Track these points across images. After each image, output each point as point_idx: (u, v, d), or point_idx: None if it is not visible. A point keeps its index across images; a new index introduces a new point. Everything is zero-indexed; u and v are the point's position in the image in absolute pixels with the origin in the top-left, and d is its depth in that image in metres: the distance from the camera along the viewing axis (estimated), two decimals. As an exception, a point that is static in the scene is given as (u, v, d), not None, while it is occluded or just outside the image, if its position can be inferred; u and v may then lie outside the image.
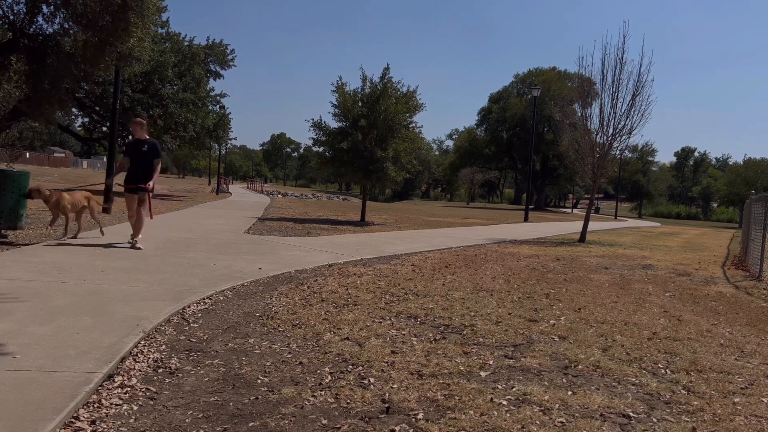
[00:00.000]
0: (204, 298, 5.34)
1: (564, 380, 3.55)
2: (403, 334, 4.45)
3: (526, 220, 28.25)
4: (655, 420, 2.99)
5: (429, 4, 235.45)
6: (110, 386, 3.09)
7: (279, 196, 44.70)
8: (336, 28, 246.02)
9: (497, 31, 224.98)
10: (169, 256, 7.63)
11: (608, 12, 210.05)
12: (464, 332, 4.62)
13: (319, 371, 3.52)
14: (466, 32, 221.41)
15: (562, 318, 5.35)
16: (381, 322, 4.80)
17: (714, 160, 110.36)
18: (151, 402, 2.96)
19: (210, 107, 29.05)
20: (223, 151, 50.21)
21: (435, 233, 15.65)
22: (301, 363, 3.67)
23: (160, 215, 15.11)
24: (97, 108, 25.98)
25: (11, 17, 13.71)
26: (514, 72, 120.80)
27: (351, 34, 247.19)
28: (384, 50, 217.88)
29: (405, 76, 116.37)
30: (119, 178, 9.67)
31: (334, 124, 17.23)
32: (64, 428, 2.56)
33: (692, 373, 3.84)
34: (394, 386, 3.28)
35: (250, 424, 2.74)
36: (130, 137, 9.77)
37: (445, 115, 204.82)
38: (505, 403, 3.09)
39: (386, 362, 3.71)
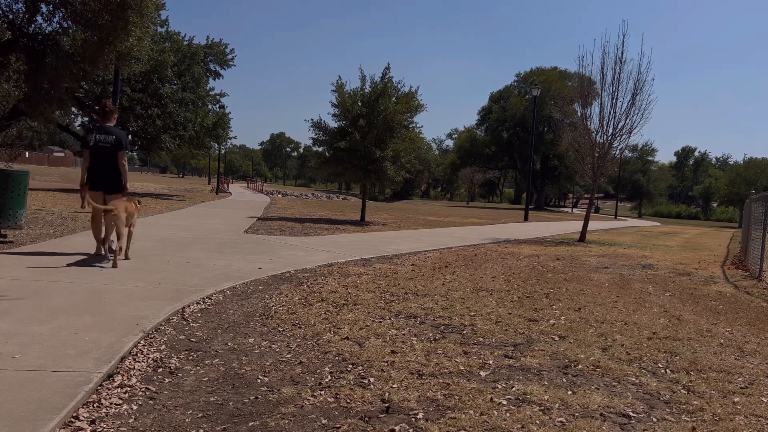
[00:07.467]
0: (204, 298, 5.34)
1: (564, 380, 3.55)
2: (403, 334, 4.45)
3: (526, 219, 28.25)
4: (655, 420, 2.99)
5: (425, 5, 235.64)
6: (110, 386, 3.08)
7: (279, 195, 44.71)
8: (336, 28, 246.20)
9: (500, 31, 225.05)
10: (169, 256, 7.63)
11: (610, 10, 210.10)
12: (464, 332, 4.62)
13: (318, 371, 3.51)
14: (467, 32, 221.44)
15: (562, 317, 5.35)
16: (381, 322, 4.80)
17: (714, 159, 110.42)
18: (151, 402, 2.96)
19: (209, 106, 29.06)
20: (223, 151, 50.16)
21: (435, 233, 15.65)
22: (300, 363, 3.66)
23: (160, 215, 15.10)
24: (97, 107, 25.99)
25: (10, 16, 13.71)
26: (515, 71, 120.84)
27: (352, 34, 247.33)
28: (385, 49, 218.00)
29: (405, 75, 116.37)
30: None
31: (333, 123, 17.26)
32: (64, 428, 2.56)
33: (692, 373, 3.83)
34: (394, 386, 3.28)
35: (250, 424, 2.74)
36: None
37: (445, 114, 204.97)
38: (505, 402, 3.09)
39: (386, 362, 3.70)
